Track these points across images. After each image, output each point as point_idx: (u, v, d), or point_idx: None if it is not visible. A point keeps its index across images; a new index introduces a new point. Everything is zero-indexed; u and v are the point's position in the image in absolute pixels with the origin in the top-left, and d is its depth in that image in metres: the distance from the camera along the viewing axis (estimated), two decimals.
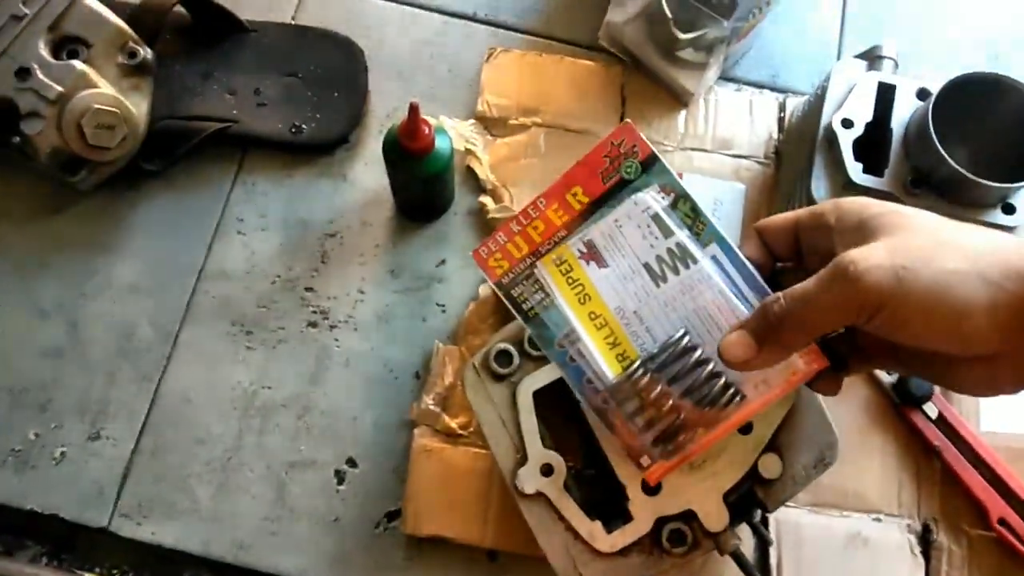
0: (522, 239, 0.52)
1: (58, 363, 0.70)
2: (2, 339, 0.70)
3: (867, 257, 0.40)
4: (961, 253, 0.40)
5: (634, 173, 0.51)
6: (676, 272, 0.50)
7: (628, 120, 0.52)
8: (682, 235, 0.50)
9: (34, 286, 0.72)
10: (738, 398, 0.49)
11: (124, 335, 0.71)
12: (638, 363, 0.49)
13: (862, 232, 0.43)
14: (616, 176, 0.51)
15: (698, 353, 0.48)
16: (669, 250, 0.50)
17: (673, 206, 0.50)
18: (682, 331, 0.49)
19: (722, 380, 0.49)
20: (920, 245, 0.40)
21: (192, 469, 0.68)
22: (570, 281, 0.51)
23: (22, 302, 0.72)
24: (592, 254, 0.51)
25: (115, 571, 0.66)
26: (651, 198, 0.50)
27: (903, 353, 0.45)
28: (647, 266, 0.50)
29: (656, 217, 0.50)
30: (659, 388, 0.49)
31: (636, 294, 0.50)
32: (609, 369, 0.50)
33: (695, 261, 0.50)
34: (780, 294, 0.43)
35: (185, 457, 0.68)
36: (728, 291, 0.48)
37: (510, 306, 0.52)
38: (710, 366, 0.48)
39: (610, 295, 0.50)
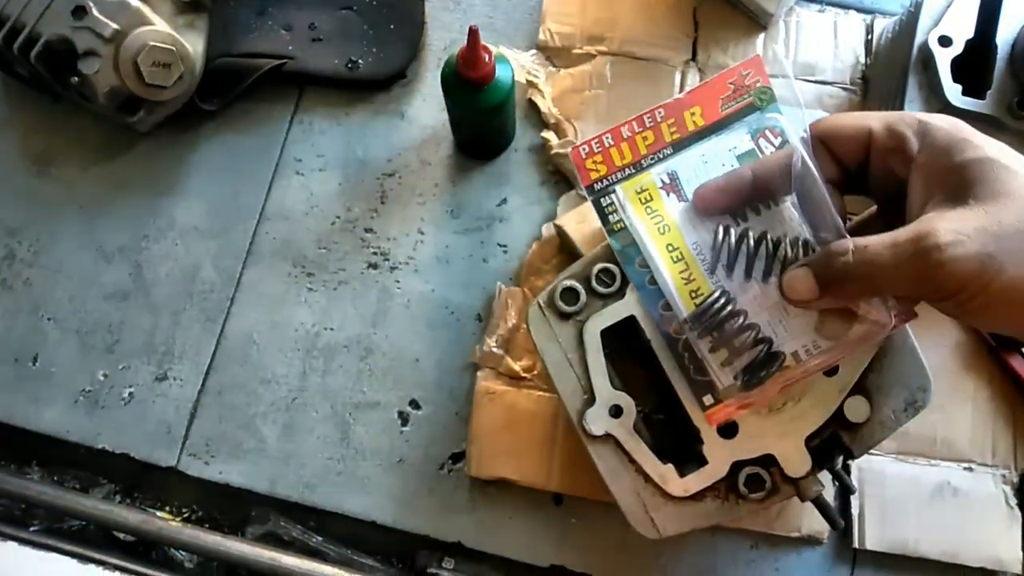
0: (628, 147, 0.51)
1: (124, 305, 0.70)
2: (69, 282, 0.71)
3: (956, 241, 0.36)
4: None
5: (767, 101, 0.49)
6: (757, 212, 0.48)
7: (759, 54, 0.51)
8: None
9: (98, 229, 0.73)
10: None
11: (188, 277, 0.71)
12: (717, 293, 0.47)
13: (952, 184, 0.39)
14: (734, 105, 0.50)
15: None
16: None
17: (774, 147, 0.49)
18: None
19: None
20: (1015, 224, 0.36)
21: (258, 409, 0.68)
22: (649, 211, 0.49)
23: (87, 245, 0.72)
24: (674, 186, 0.49)
25: (184, 509, 0.67)
26: (739, 137, 0.49)
27: None
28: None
29: (741, 157, 0.49)
30: (740, 320, 0.46)
31: (714, 231, 0.48)
32: (683, 304, 0.48)
33: (776, 203, 0.48)
34: (851, 245, 0.40)
35: (251, 397, 0.68)
36: (807, 236, 0.46)
37: (597, 215, 0.51)
38: None
39: (688, 229, 0.49)
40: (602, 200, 0.51)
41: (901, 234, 0.38)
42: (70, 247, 0.72)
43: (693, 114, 0.50)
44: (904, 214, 0.41)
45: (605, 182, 0.51)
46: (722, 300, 0.46)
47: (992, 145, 0.39)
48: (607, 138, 0.51)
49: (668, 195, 0.49)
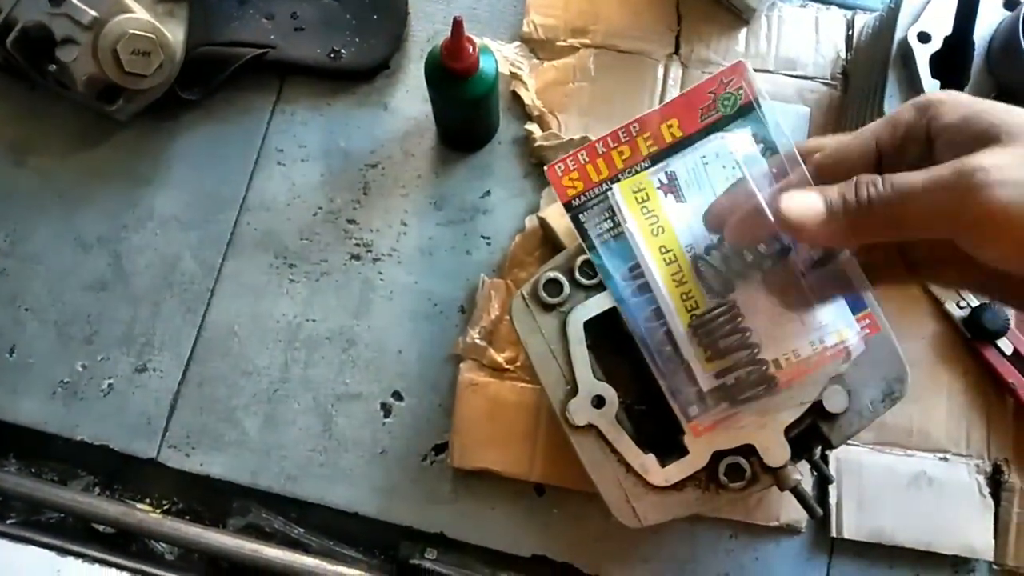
0: (604, 162, 0.50)
1: (102, 296, 0.70)
2: (47, 272, 0.70)
3: (999, 166, 0.33)
4: None
5: (730, 108, 0.48)
6: None
7: (743, 60, 0.48)
8: None
9: (76, 219, 0.72)
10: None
11: (168, 267, 0.70)
12: (725, 307, 0.46)
13: (977, 130, 0.35)
14: (715, 115, 0.48)
15: None
16: None
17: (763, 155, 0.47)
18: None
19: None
20: None
21: (239, 401, 0.67)
22: (645, 211, 0.48)
23: (65, 235, 0.71)
24: (672, 187, 0.48)
25: (165, 501, 0.67)
26: (743, 141, 0.47)
27: (988, 273, 0.38)
28: None
29: (747, 160, 0.46)
30: (741, 337, 0.46)
31: (709, 235, 0.47)
32: (674, 306, 0.47)
33: None
34: (881, 176, 0.36)
35: (232, 389, 0.68)
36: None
37: (576, 231, 0.50)
38: None
39: (683, 231, 0.48)
40: (580, 217, 0.50)
41: (937, 169, 0.35)
42: (48, 237, 0.71)
43: (670, 127, 0.49)
44: None
45: (582, 198, 0.50)
46: (727, 314, 0.46)
47: (1000, 105, 0.36)
48: (582, 155, 0.50)
49: (665, 195, 0.48)
